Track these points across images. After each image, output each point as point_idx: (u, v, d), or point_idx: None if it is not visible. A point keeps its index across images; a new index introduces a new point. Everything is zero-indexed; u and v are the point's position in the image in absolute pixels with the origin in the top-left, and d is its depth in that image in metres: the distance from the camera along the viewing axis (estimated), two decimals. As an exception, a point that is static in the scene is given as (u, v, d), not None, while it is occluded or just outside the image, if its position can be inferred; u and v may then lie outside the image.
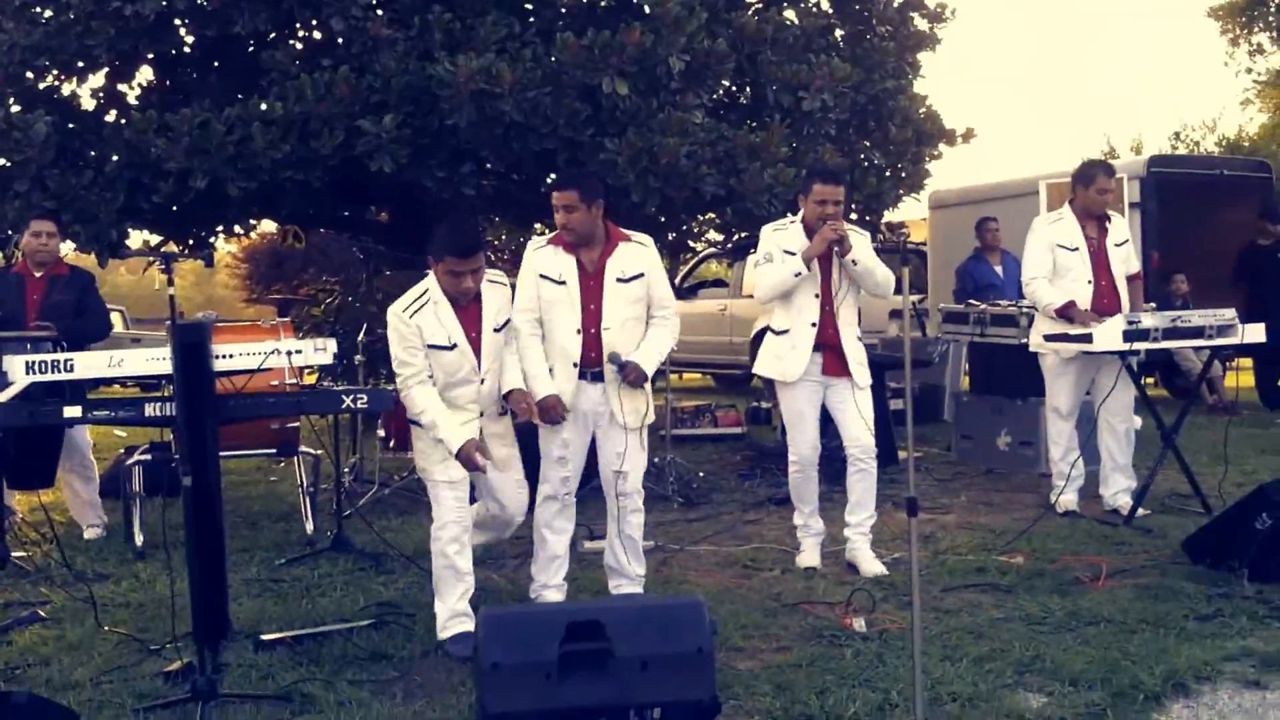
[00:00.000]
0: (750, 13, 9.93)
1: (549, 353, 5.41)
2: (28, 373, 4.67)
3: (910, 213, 18.16)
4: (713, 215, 10.37)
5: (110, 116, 9.74)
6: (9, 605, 5.67)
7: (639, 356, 5.39)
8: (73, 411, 4.69)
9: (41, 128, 8.75)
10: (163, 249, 12.44)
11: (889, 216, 11.48)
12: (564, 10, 9.39)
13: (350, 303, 12.62)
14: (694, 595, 4.64)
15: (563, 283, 5.37)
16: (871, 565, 6.14)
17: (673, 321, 5.57)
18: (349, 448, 8.94)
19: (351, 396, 4.93)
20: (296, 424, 6.88)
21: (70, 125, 9.38)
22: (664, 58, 8.79)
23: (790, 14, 10.30)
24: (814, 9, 10.72)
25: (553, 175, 9.27)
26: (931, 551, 6.49)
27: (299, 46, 9.66)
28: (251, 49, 9.53)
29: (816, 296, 6.12)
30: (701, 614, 4.17)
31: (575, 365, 5.38)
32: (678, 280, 17.25)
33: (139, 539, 6.75)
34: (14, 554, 6.49)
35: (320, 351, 4.83)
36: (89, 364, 4.71)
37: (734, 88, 10.42)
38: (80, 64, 9.26)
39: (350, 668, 4.80)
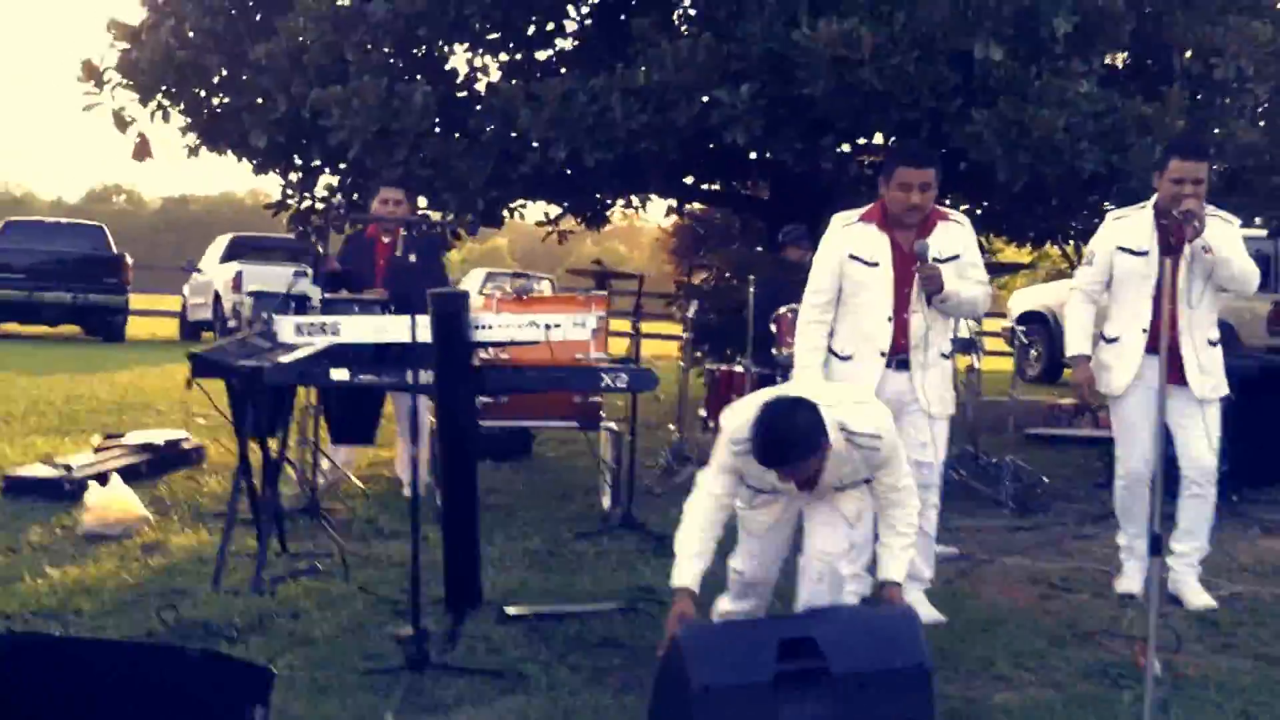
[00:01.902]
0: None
1: (851, 338, 5.04)
2: (297, 334, 4.72)
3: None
4: (1094, 197, 9.38)
5: (481, 86, 9.94)
6: (298, 555, 5.81)
7: (946, 278, 4.95)
8: (339, 374, 4.74)
9: (420, 97, 9.01)
10: (559, 221, 12.87)
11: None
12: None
13: (727, 279, 12.40)
14: (907, 605, 4.15)
15: (875, 264, 5.00)
16: (1197, 598, 5.36)
17: (985, 288, 5.15)
18: (676, 424, 8.78)
19: (612, 375, 4.74)
20: (599, 397, 6.72)
21: (447, 95, 9.60)
22: (1048, 19, 8.00)
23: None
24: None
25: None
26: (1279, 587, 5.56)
27: (668, 15, 9.46)
28: (624, 17, 9.44)
29: (1152, 295, 5.38)
30: (916, 626, 3.69)
31: (883, 354, 5.00)
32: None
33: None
34: (328, 506, 6.70)
35: (579, 326, 4.63)
36: (354, 328, 4.72)
37: (1132, 54, 9.37)
38: (458, 34, 9.48)
39: (578, 651, 4.58)
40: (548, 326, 4.60)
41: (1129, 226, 5.54)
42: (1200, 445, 5.37)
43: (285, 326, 4.72)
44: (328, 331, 4.69)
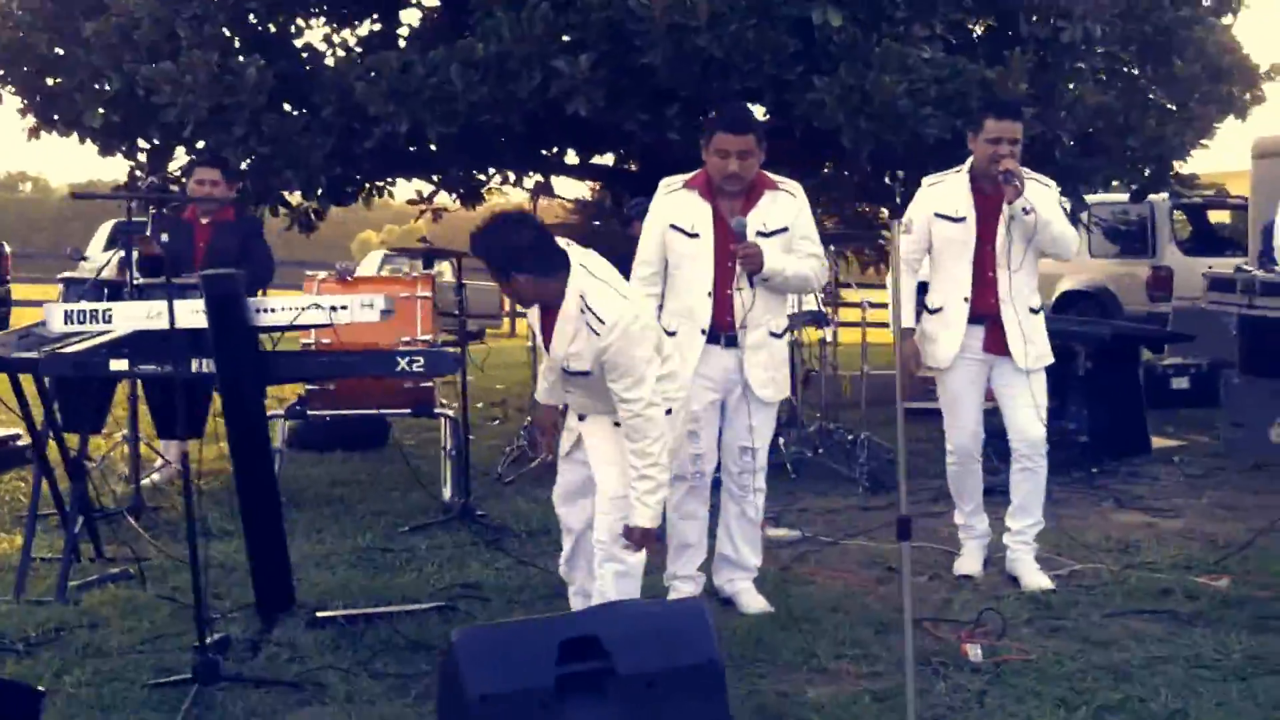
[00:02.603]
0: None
1: (675, 312, 4.78)
2: (66, 322, 4.45)
3: (1233, 163, 16.29)
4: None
5: (330, 62, 9.62)
6: (114, 560, 5.52)
7: (769, 255, 4.67)
8: (118, 364, 4.49)
9: (253, 72, 8.68)
10: (433, 199, 12.55)
11: (1181, 168, 10.05)
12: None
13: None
14: (697, 599, 3.97)
15: (695, 235, 4.73)
16: (1034, 578, 5.20)
17: (817, 262, 4.85)
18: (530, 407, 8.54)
19: (407, 359, 4.50)
20: (429, 382, 6.49)
21: (287, 71, 9.27)
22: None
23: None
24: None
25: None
26: (1121, 565, 5.46)
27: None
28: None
29: (971, 262, 5.23)
30: (705, 620, 3.51)
31: (704, 331, 4.72)
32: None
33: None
34: (156, 504, 6.42)
35: (367, 308, 4.39)
36: (128, 315, 4.45)
37: (977, 18, 9.26)
38: (291, 7, 9.16)
39: (384, 656, 4.36)
40: (333, 309, 4.34)
41: (945, 192, 5.31)
42: (1027, 415, 5.22)
43: (55, 315, 4.43)
44: (100, 319, 4.41)
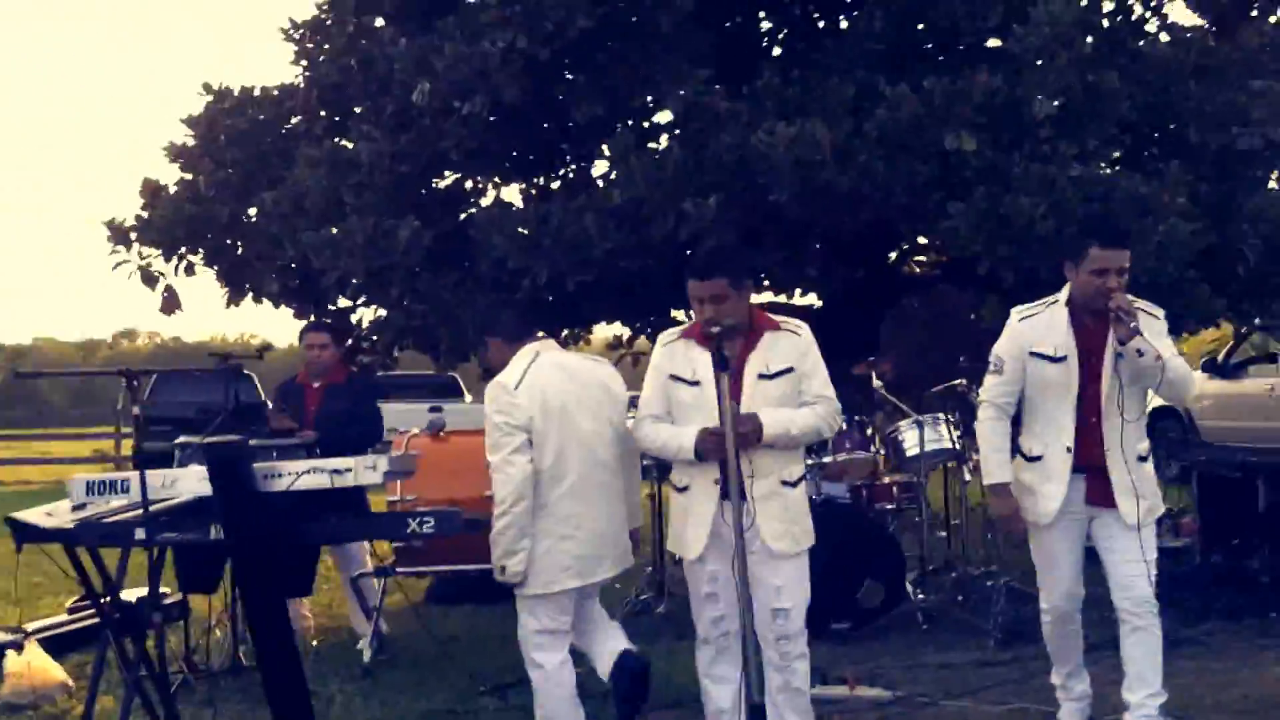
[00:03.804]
0: (1162, 38, 8.26)
1: (685, 466, 4.52)
2: (88, 493, 4.50)
3: None
4: None
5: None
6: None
7: (765, 414, 4.38)
8: (140, 533, 4.49)
9: (405, 232, 8.87)
10: (632, 343, 12.54)
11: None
12: (901, 61, 8.23)
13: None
14: None
15: (696, 383, 4.46)
16: None
17: (825, 407, 4.49)
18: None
19: (418, 520, 4.37)
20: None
21: (449, 232, 9.45)
22: (1027, 102, 7.47)
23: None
24: (1268, 26, 8.69)
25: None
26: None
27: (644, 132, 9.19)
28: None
29: (1074, 406, 4.73)
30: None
31: (716, 482, 4.41)
32: (1221, 355, 15.00)
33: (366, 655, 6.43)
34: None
35: (370, 470, 4.29)
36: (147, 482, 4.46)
37: (1137, 130, 8.66)
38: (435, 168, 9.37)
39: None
40: (335, 472, 4.26)
41: (1041, 326, 4.80)
42: (1134, 571, 4.65)
43: (77, 487, 4.51)
44: (119, 489, 4.46)
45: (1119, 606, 4.71)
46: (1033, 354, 4.77)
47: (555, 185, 9.96)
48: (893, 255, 10.78)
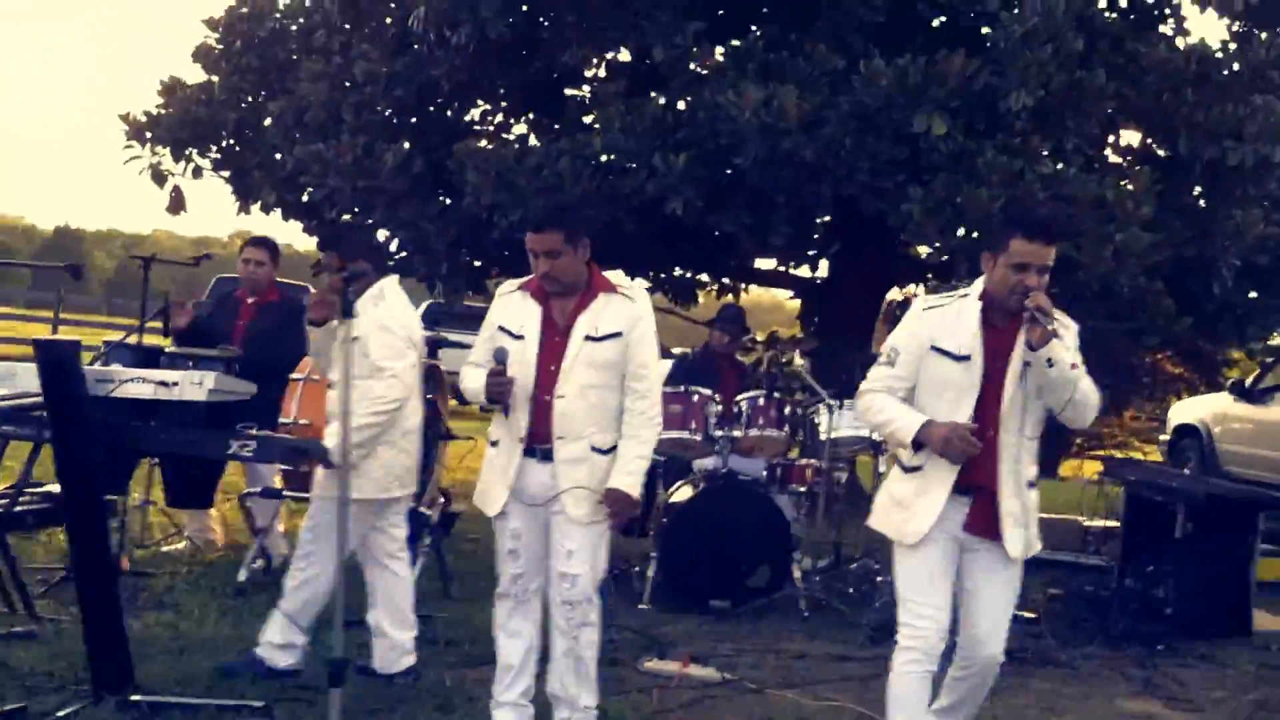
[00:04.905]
0: (1159, 41, 8.03)
1: (498, 420, 4.44)
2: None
3: None
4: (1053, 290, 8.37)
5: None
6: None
7: (618, 480, 4.28)
8: None
9: (390, 157, 8.95)
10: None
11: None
12: (896, 35, 8.08)
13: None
14: None
15: (520, 337, 4.37)
16: None
17: (648, 403, 4.35)
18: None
19: (240, 442, 4.44)
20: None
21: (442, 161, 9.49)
22: (1004, 93, 7.33)
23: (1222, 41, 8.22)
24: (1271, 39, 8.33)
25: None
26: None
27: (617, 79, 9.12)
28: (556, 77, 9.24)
29: (970, 416, 4.05)
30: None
31: (521, 440, 4.36)
32: (1249, 381, 14.65)
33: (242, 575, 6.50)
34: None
35: (196, 386, 4.36)
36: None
37: (1131, 132, 8.47)
38: (427, 96, 9.40)
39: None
40: (161, 384, 4.34)
41: (948, 319, 4.14)
42: (993, 625, 4.12)
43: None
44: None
45: (965, 656, 4.19)
46: (934, 349, 4.13)
47: (537, 127, 9.93)
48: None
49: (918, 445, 4.01)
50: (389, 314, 4.90)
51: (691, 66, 8.13)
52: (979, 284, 4.13)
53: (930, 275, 10.10)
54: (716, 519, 6.74)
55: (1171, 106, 7.90)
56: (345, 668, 3.53)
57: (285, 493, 6.51)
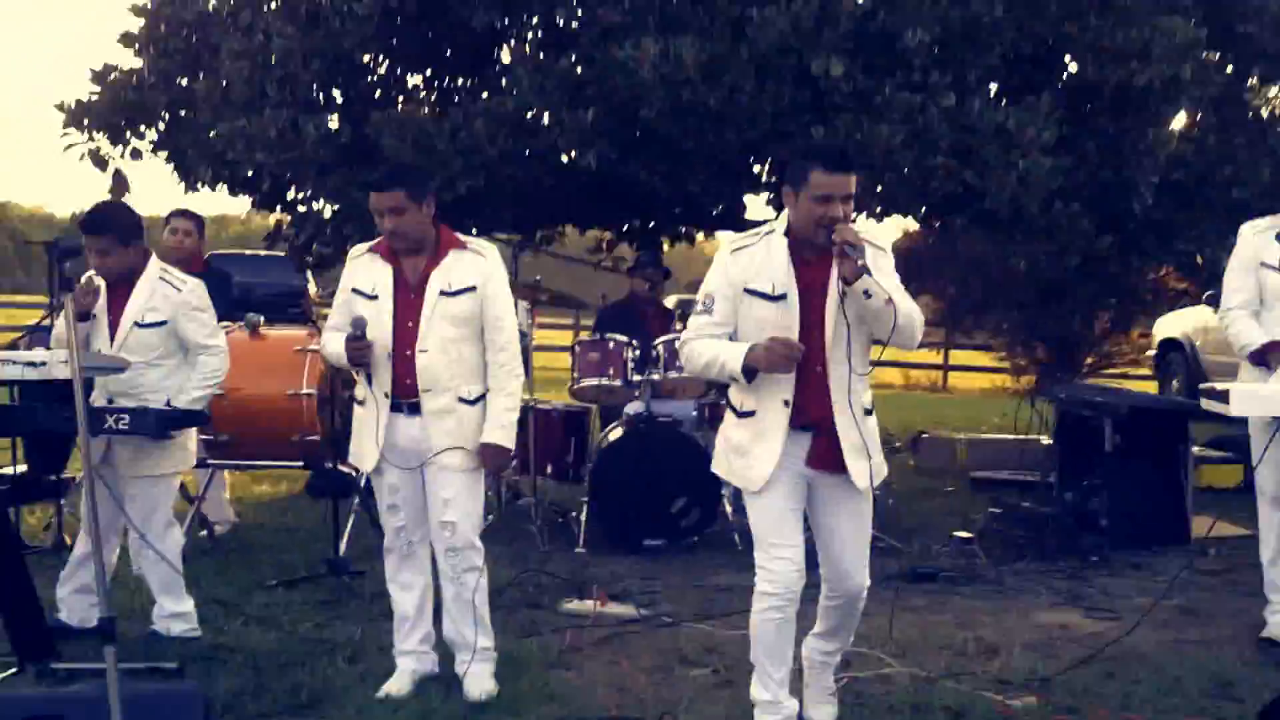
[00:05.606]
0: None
1: (363, 381, 4.63)
2: None
3: None
4: (961, 219, 8.41)
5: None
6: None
7: (491, 434, 4.50)
8: None
9: (312, 129, 8.99)
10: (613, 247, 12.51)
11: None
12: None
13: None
14: (191, 683, 3.74)
15: (375, 297, 4.53)
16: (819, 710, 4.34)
17: (507, 354, 4.54)
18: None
19: (114, 417, 4.55)
20: (315, 435, 6.48)
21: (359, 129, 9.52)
22: (900, 31, 7.37)
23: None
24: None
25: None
26: (940, 674, 4.80)
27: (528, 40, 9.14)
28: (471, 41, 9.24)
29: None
30: (196, 709, 3.34)
31: (387, 395, 4.52)
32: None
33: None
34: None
35: (63, 365, 4.44)
36: None
37: (1032, 62, 8.43)
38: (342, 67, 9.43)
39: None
40: (30, 364, 4.45)
41: (757, 259, 4.07)
42: (855, 555, 4.15)
43: None
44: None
45: (831, 590, 4.21)
46: (748, 290, 4.06)
47: (455, 92, 9.96)
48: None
49: (750, 374, 3.99)
50: (194, 295, 5.24)
51: (596, 20, 8.16)
52: (783, 219, 4.10)
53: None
54: (643, 461, 6.94)
55: (1077, 32, 7.92)
56: (114, 623, 3.57)
57: (210, 462, 6.62)
